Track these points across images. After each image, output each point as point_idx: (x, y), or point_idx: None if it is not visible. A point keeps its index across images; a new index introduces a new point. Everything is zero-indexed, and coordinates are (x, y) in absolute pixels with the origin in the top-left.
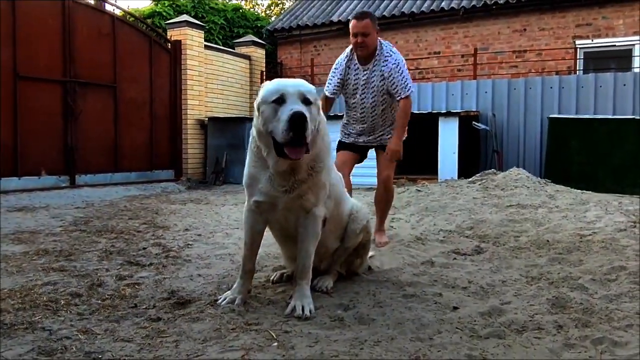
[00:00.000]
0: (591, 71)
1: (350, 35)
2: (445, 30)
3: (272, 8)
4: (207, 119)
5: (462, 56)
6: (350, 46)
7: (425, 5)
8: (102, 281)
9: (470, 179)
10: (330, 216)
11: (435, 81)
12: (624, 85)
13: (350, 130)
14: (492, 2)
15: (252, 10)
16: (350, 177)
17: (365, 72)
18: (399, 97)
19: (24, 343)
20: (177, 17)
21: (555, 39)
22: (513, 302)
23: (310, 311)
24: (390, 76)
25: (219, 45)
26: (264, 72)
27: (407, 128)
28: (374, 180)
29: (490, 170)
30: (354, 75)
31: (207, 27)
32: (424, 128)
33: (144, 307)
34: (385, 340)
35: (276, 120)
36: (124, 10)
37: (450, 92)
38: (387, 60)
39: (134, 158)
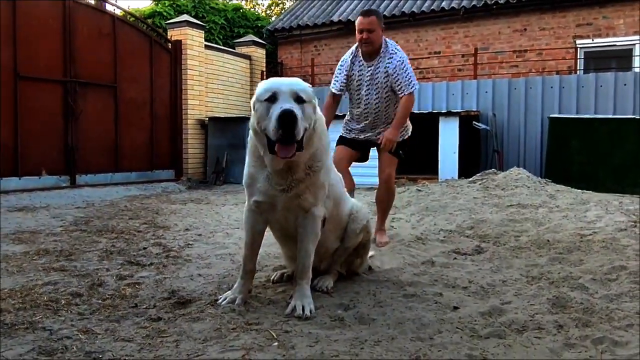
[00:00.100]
0: (592, 71)
1: (356, 32)
2: (446, 30)
3: (273, 8)
4: (207, 118)
5: (463, 56)
6: (356, 44)
7: (426, 5)
8: (103, 281)
9: (470, 179)
10: (330, 216)
11: (435, 81)
12: (625, 85)
13: (353, 127)
14: (493, 1)
15: (252, 10)
16: (351, 174)
17: (369, 69)
18: (402, 94)
19: (24, 343)
20: (177, 17)
21: (555, 38)
22: (513, 302)
23: (310, 311)
24: (394, 73)
25: (220, 45)
26: (265, 72)
27: (410, 128)
28: (374, 180)
29: (490, 170)
30: (359, 72)
31: (207, 27)
32: (424, 128)
33: (144, 306)
34: (386, 340)
35: (268, 118)
36: (125, 10)
37: (451, 91)
38: (392, 57)
39: (134, 158)
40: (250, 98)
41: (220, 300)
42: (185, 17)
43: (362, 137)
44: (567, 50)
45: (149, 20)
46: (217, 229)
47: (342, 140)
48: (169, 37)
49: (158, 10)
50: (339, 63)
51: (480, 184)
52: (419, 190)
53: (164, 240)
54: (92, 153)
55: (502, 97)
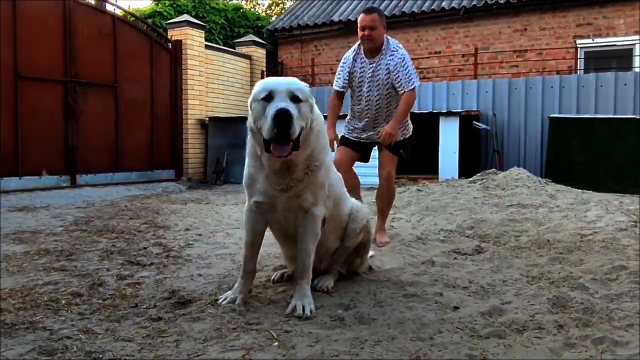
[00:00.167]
0: (592, 71)
1: (358, 29)
2: (446, 30)
3: (273, 8)
4: (207, 118)
5: (463, 56)
6: (358, 42)
7: (426, 5)
8: (103, 281)
9: (470, 179)
10: (330, 216)
11: (435, 81)
12: (625, 84)
13: (354, 125)
14: (493, 1)
15: (252, 10)
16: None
17: (371, 66)
18: (402, 91)
19: (24, 343)
20: (177, 16)
21: (556, 38)
22: (514, 302)
23: (310, 311)
24: (395, 70)
25: (220, 45)
26: (265, 72)
27: (411, 127)
28: (375, 180)
29: (490, 170)
30: (360, 68)
31: (207, 27)
32: (424, 128)
33: (144, 306)
34: (386, 339)
35: (264, 118)
36: (125, 10)
37: (451, 91)
38: (393, 54)
39: (134, 158)
40: None
41: (220, 300)
42: (185, 17)
43: (364, 137)
44: (567, 50)
45: (149, 20)
46: (218, 228)
47: (343, 141)
48: (169, 37)
49: (158, 10)
50: (342, 60)
51: (480, 184)
52: (419, 190)
53: (164, 240)
54: (93, 153)
55: (503, 97)
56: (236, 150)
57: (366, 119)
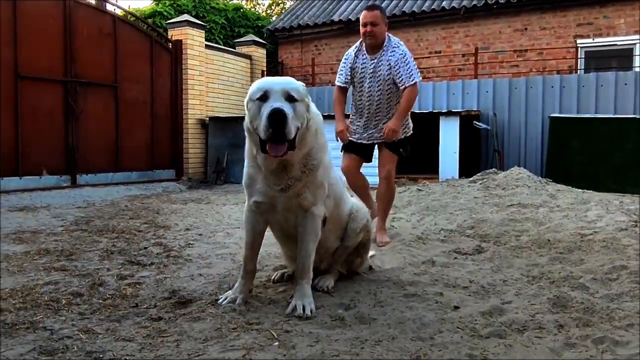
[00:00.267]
0: (592, 70)
1: (360, 26)
2: (446, 30)
3: (273, 7)
4: (208, 118)
5: (463, 55)
6: (360, 39)
7: (426, 4)
8: (103, 281)
9: (471, 179)
10: (330, 216)
11: (436, 80)
12: (625, 84)
13: (356, 124)
14: (493, 1)
15: (252, 9)
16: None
17: (372, 62)
18: (403, 86)
19: (25, 342)
20: (178, 16)
21: (556, 38)
22: (514, 302)
23: (311, 311)
24: (396, 65)
25: (220, 44)
26: (265, 72)
27: (411, 126)
28: (375, 180)
29: (491, 170)
30: (362, 64)
31: (208, 27)
32: (425, 127)
33: (145, 306)
34: (386, 339)
35: (259, 118)
36: (125, 10)
37: (451, 91)
38: (395, 51)
39: (135, 158)
40: None
41: (220, 300)
42: (185, 16)
43: (365, 136)
44: (567, 50)
45: (150, 20)
46: (218, 228)
47: (347, 147)
48: (169, 37)
49: (158, 10)
50: (344, 57)
51: (480, 184)
52: (420, 190)
53: (164, 240)
54: (93, 153)
55: (503, 97)
56: (236, 150)
57: (367, 115)
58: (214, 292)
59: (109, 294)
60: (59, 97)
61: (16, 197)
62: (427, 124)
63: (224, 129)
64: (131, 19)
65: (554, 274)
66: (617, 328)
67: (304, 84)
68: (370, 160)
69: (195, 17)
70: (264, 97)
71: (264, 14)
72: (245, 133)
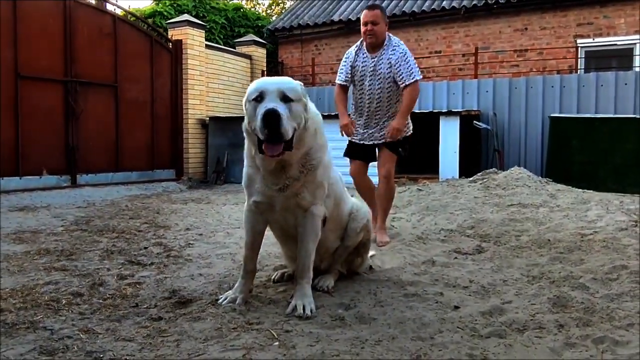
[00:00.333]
0: (592, 70)
1: (361, 25)
2: (446, 30)
3: (273, 7)
4: (208, 118)
5: (463, 55)
6: (361, 39)
7: (426, 4)
8: (104, 281)
9: (471, 178)
10: (330, 215)
11: (436, 80)
12: (625, 84)
13: (357, 124)
14: (493, 1)
15: (253, 9)
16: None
17: (373, 60)
18: (404, 84)
19: (25, 342)
20: (178, 16)
21: (556, 38)
22: (514, 302)
23: (311, 310)
24: (397, 63)
25: (220, 44)
26: (265, 72)
27: (411, 126)
28: (374, 180)
29: (491, 170)
30: (362, 63)
31: (208, 27)
32: (425, 127)
33: (145, 306)
34: (386, 339)
35: (256, 118)
36: (125, 10)
37: (452, 91)
38: (395, 49)
39: (135, 158)
40: None
41: (221, 300)
42: (185, 16)
43: (366, 136)
44: (567, 50)
45: (150, 20)
46: (218, 228)
47: (351, 152)
48: (169, 37)
49: (159, 9)
50: (344, 55)
51: (481, 184)
52: (420, 190)
53: (164, 239)
54: (93, 153)
55: (503, 97)
56: (236, 150)
57: (367, 114)
58: (214, 292)
59: (109, 294)
60: (59, 97)
61: (16, 197)
62: (427, 124)
63: (224, 129)
64: (131, 19)
65: (554, 274)
66: (617, 328)
67: (303, 84)
68: (374, 160)
69: (196, 17)
70: (260, 97)
71: (264, 13)
72: (244, 134)
